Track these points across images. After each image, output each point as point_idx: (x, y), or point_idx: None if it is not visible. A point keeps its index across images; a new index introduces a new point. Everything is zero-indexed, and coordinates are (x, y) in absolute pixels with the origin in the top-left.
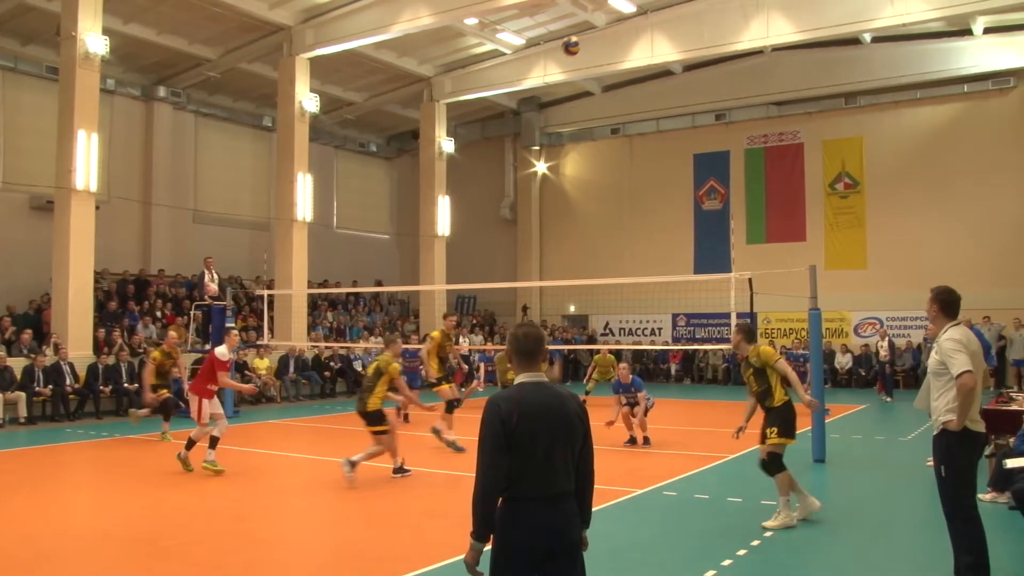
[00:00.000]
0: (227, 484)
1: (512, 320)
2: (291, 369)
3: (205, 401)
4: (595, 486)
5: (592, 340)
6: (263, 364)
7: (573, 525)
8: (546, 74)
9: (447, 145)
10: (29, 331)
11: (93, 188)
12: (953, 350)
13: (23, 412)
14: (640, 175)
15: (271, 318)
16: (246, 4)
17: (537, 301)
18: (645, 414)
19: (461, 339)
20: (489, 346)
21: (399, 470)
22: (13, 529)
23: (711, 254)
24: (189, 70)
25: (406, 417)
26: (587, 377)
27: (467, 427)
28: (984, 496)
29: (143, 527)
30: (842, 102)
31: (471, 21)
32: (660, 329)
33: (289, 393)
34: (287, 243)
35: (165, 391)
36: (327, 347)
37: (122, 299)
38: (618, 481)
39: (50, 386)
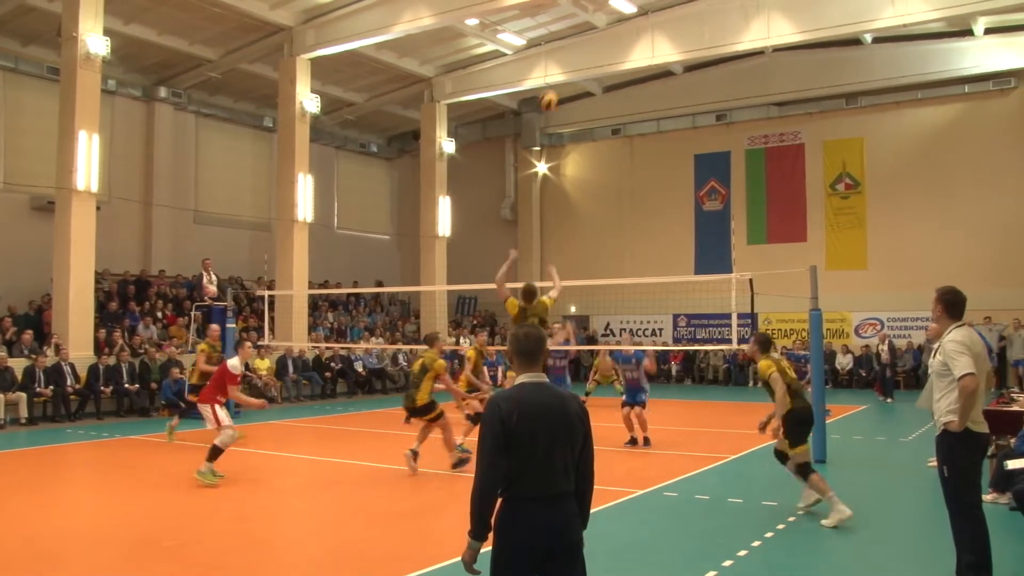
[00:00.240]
0: (227, 485)
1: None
2: (291, 370)
3: (218, 407)
4: (595, 486)
5: (593, 341)
6: (264, 364)
7: (573, 525)
8: (547, 74)
9: (448, 146)
10: (30, 332)
11: (94, 189)
12: (956, 352)
13: (24, 413)
14: (641, 176)
15: (272, 319)
16: (247, 4)
17: None
18: (643, 406)
19: (462, 340)
20: (491, 348)
21: (415, 454)
22: (14, 529)
23: (712, 255)
24: (190, 71)
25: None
26: (589, 378)
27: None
28: (985, 497)
29: (144, 527)
30: (843, 103)
31: (472, 22)
32: (661, 330)
33: (290, 394)
34: (288, 244)
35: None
36: (328, 348)
37: (123, 300)
38: (618, 481)
39: (51, 387)
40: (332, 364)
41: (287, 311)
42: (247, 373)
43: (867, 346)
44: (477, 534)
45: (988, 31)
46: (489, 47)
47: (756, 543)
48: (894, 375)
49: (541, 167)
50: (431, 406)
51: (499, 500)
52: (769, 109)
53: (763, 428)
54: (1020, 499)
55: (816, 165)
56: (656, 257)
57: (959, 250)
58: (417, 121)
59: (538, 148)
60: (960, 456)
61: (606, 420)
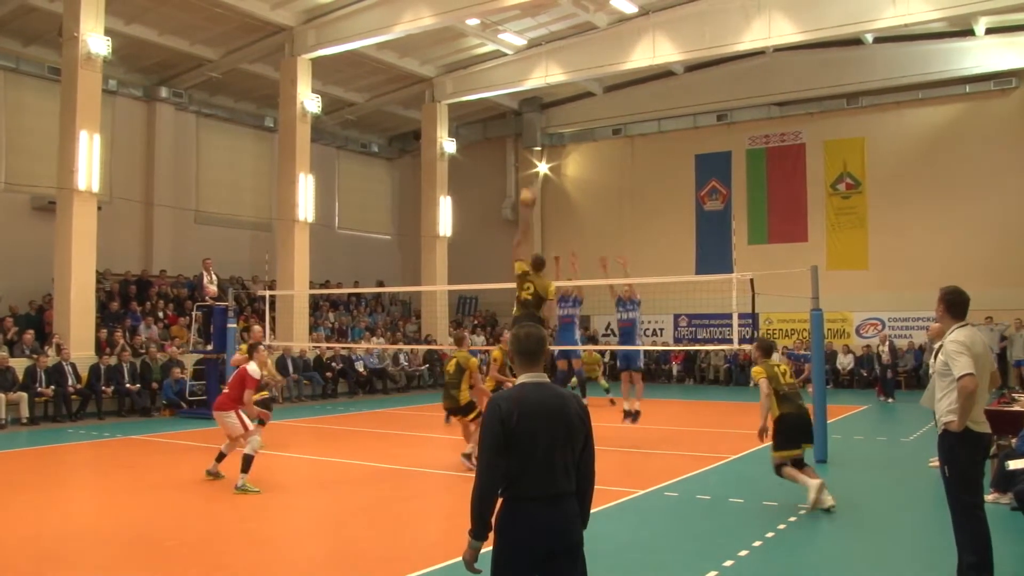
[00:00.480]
0: (228, 485)
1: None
2: (291, 369)
3: (241, 411)
4: (595, 486)
5: (594, 340)
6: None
7: (574, 525)
8: (548, 75)
9: (449, 146)
10: (31, 331)
11: (95, 189)
12: (957, 352)
13: (25, 412)
14: (642, 175)
15: (272, 319)
16: (248, 5)
17: None
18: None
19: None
20: (493, 348)
21: (468, 456)
22: (15, 529)
23: (713, 255)
24: (191, 71)
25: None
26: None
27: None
28: (986, 497)
29: (144, 527)
30: (844, 102)
31: (473, 22)
32: (662, 330)
33: (291, 394)
34: (289, 243)
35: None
36: (328, 348)
37: (124, 299)
38: (619, 481)
39: (52, 386)
40: (333, 364)
41: (288, 311)
42: (268, 382)
43: (868, 346)
44: (477, 534)
45: (989, 31)
46: (490, 47)
47: (757, 543)
48: (895, 375)
49: (542, 167)
50: (472, 405)
51: (500, 500)
52: (770, 109)
53: (762, 435)
54: (1021, 499)
55: (817, 165)
56: (657, 257)
57: (960, 250)
58: (418, 121)
59: (539, 148)
60: (961, 456)
61: (606, 420)
